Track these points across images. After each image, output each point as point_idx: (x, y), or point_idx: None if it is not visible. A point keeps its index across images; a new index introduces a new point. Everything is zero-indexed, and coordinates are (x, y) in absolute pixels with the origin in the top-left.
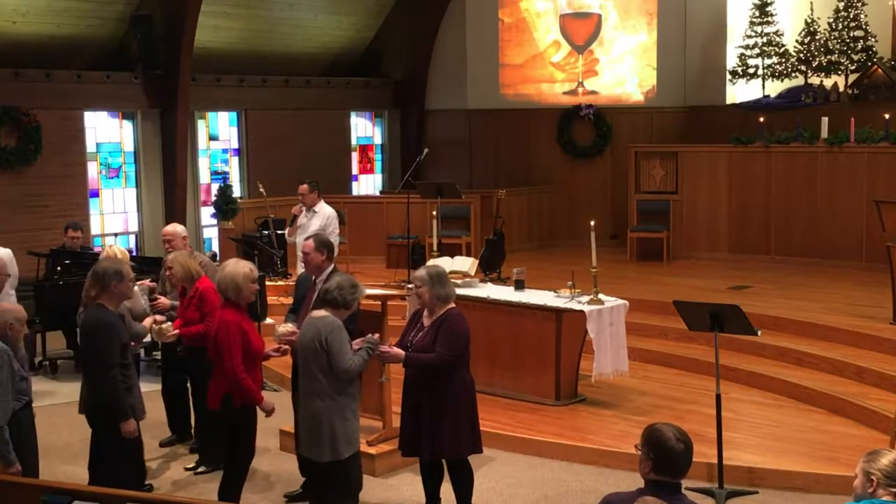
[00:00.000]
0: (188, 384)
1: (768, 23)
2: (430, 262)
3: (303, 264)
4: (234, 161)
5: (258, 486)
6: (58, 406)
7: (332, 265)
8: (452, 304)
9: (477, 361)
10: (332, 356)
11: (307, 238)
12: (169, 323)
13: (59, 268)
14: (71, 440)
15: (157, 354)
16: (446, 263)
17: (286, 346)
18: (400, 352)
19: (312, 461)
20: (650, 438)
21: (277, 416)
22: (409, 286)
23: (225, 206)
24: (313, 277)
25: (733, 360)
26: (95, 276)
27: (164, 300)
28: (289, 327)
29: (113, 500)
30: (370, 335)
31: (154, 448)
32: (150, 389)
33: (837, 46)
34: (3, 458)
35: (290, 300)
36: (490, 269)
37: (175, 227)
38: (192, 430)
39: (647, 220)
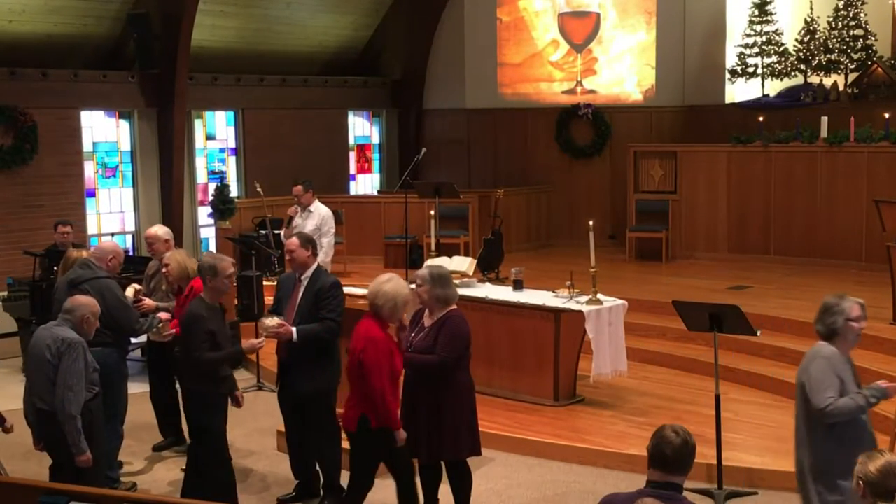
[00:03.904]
0: (176, 387)
1: (768, 22)
2: (431, 262)
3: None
4: (232, 160)
5: (253, 488)
6: None
7: (317, 263)
8: (454, 306)
9: (475, 362)
10: (809, 392)
11: (290, 236)
12: (166, 322)
13: (55, 267)
14: None
15: None
16: (444, 263)
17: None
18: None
19: None
20: (653, 434)
21: (274, 416)
22: (410, 286)
23: (222, 206)
24: (297, 275)
25: (732, 361)
26: (200, 269)
27: (148, 301)
28: (276, 320)
29: (110, 500)
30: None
31: (147, 451)
32: (144, 391)
33: (837, 45)
34: (76, 447)
35: None
36: (488, 268)
37: (157, 230)
38: (188, 433)
39: (646, 219)
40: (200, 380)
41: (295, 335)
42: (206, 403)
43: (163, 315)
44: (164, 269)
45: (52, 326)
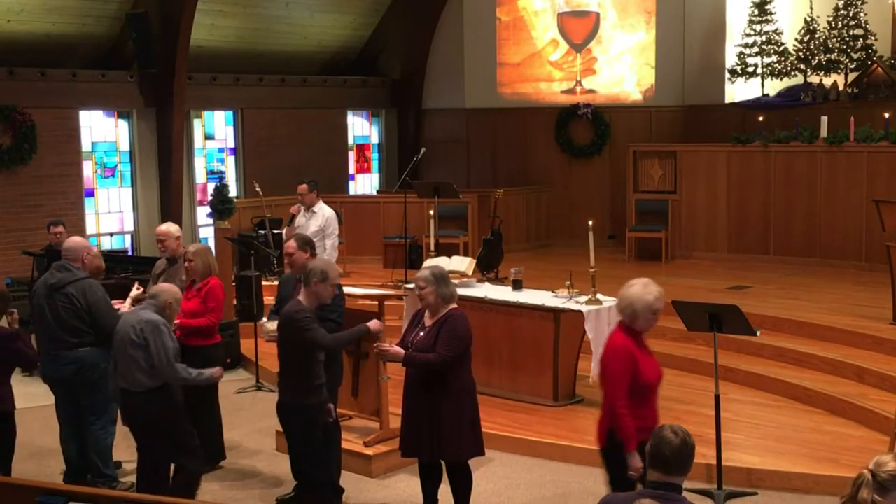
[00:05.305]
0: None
1: (767, 21)
2: (430, 262)
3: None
4: (231, 160)
5: (253, 488)
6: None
7: None
8: (455, 305)
9: (474, 362)
10: None
11: (288, 239)
12: None
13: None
14: None
15: None
16: (444, 263)
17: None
18: (399, 350)
19: None
20: (652, 434)
21: (273, 416)
22: (410, 287)
23: (221, 206)
24: (297, 277)
25: (732, 361)
26: (304, 271)
27: None
28: (276, 324)
29: (109, 500)
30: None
31: None
32: None
33: (837, 45)
34: (202, 380)
35: None
36: (488, 268)
37: (169, 227)
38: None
39: (646, 219)
40: (297, 392)
41: None
42: (304, 416)
43: (125, 307)
44: (187, 264)
45: (137, 310)
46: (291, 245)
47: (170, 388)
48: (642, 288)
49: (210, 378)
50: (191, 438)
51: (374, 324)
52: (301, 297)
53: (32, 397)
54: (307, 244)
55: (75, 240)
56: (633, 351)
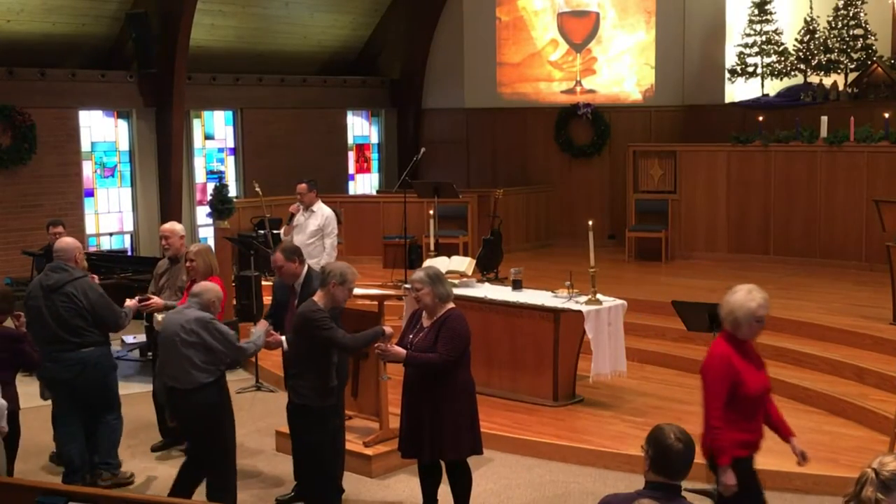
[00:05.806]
0: None
1: (767, 21)
2: (427, 263)
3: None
4: (230, 160)
5: (253, 488)
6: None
7: (306, 267)
8: (452, 305)
9: (474, 362)
10: None
11: (273, 252)
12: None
13: None
14: None
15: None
16: (443, 263)
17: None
18: (401, 350)
19: None
20: (651, 436)
21: (273, 416)
22: (407, 287)
23: (220, 206)
24: (291, 284)
25: None
26: (322, 272)
27: (156, 300)
28: (263, 328)
29: (109, 500)
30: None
31: (146, 451)
32: (144, 391)
33: (837, 45)
34: (259, 344)
35: None
36: (487, 268)
37: (173, 226)
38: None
39: (646, 219)
40: (313, 393)
41: (285, 343)
42: (317, 418)
43: (130, 303)
44: (188, 264)
45: (181, 309)
46: (279, 257)
47: (220, 383)
48: (745, 294)
49: (264, 332)
50: (233, 436)
51: (388, 327)
52: (316, 298)
53: (32, 397)
54: (294, 253)
55: (67, 240)
56: (734, 361)
